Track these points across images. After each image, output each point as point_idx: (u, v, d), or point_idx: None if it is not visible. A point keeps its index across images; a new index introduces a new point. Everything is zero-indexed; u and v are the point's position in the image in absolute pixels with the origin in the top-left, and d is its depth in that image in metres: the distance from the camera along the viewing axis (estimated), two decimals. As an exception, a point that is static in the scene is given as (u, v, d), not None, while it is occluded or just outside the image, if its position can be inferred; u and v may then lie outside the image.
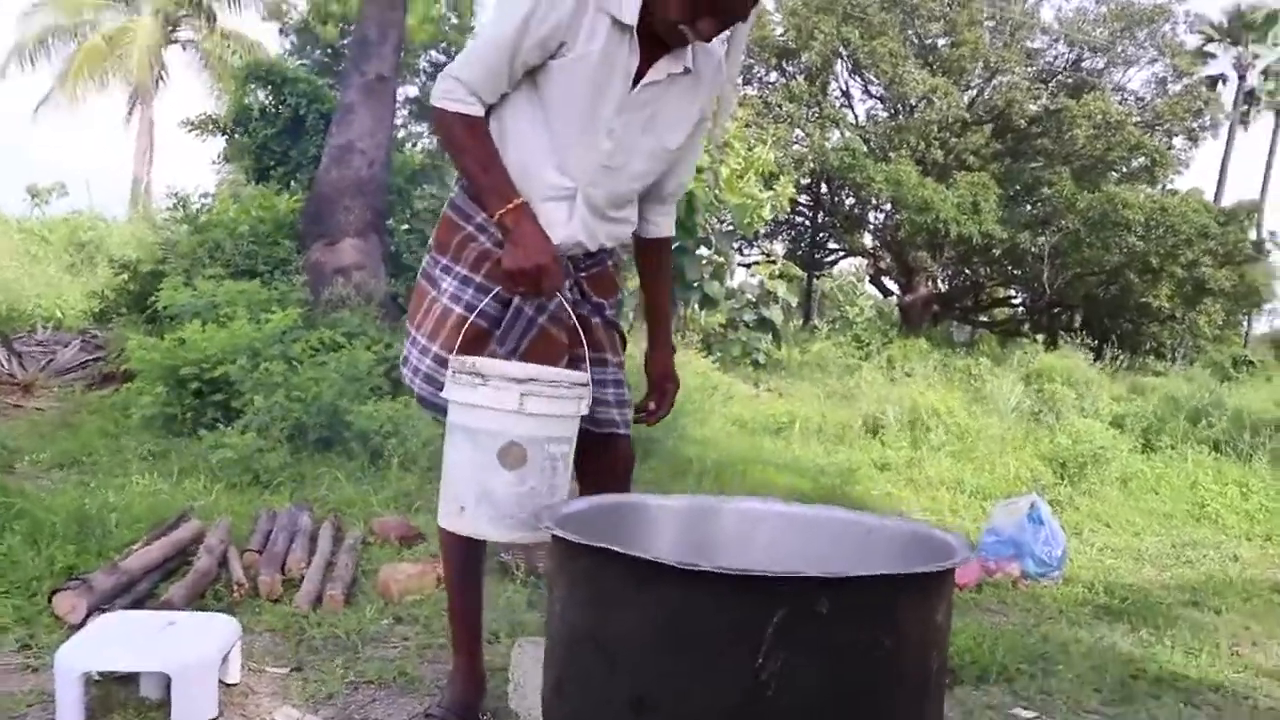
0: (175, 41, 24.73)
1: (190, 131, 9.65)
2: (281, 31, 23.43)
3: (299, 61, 23.65)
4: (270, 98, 9.14)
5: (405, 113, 25.59)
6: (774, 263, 18.78)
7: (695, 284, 17.54)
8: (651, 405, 2.53)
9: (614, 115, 2.14)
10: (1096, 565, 4.95)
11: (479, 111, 2.10)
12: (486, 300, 2.19)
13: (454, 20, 24.69)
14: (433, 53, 25.37)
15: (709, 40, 2.12)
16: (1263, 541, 5.88)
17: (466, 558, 2.49)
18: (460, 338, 2.16)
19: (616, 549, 1.52)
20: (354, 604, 3.58)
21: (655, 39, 2.11)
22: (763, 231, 23.76)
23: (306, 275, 7.76)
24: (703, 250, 17.42)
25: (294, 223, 8.33)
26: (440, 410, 2.25)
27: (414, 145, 19.13)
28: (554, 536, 1.64)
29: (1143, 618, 4.04)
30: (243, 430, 5.44)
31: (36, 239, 15.31)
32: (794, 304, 19.12)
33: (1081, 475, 6.76)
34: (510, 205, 2.07)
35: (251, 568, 3.81)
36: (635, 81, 2.14)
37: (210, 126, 9.66)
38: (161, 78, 24.38)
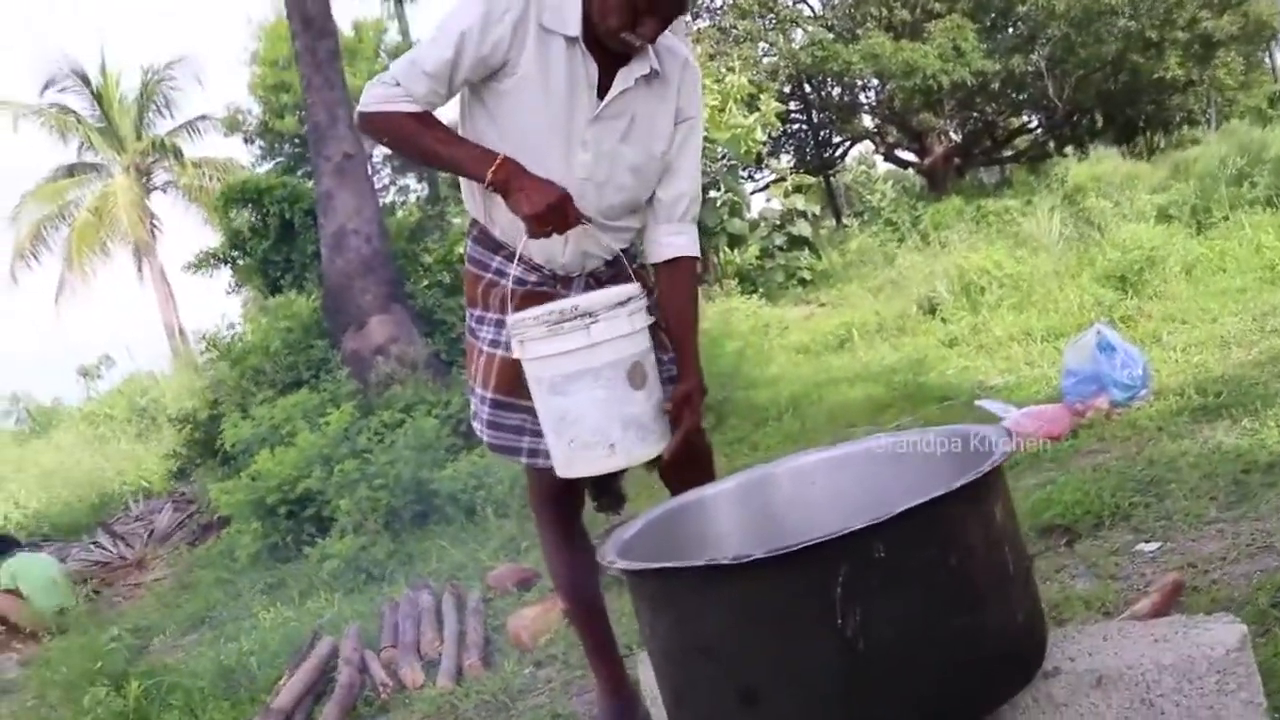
0: (154, 188, 25.21)
1: (194, 273, 9.91)
2: (246, 141, 23.81)
3: (274, 160, 24.03)
4: (253, 214, 9.33)
5: (387, 172, 25.82)
6: (784, 180, 18.64)
7: (717, 228, 17.51)
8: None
9: (586, 128, 2.15)
10: (1184, 368, 4.88)
11: (420, 110, 2.10)
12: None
13: (400, 67, 24.80)
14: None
15: (653, 42, 2.12)
16: (1343, 281, 5.75)
17: (580, 584, 2.54)
18: (505, 375, 2.24)
19: (674, 565, 1.57)
20: (493, 665, 3.69)
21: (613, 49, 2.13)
22: (765, 152, 23.59)
23: (348, 366, 7.92)
24: (713, 194, 17.38)
25: (319, 320, 8.49)
26: (511, 452, 2.33)
27: (405, 201, 19.34)
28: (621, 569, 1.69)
29: (1241, 406, 3.98)
30: (341, 535, 5.59)
31: (101, 419, 15.82)
32: (818, 211, 18.99)
33: (1143, 282, 6.63)
34: (496, 162, 2.07)
35: (390, 663, 3.95)
36: (603, 93, 2.14)
37: (211, 262, 9.90)
38: (155, 226, 24.89)
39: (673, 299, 2.32)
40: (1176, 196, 8.33)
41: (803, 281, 17.08)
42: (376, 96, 2.10)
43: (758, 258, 18.19)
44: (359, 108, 2.14)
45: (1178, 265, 6.76)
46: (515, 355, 2.08)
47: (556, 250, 2.23)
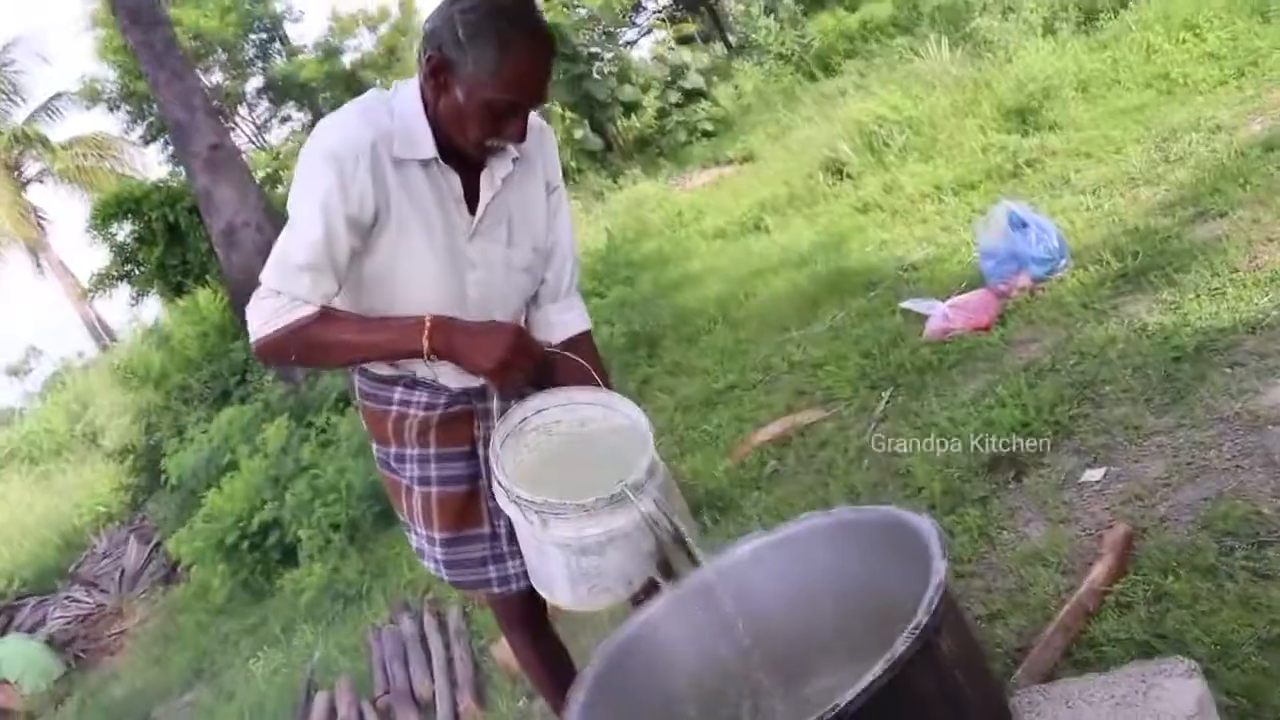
0: (29, 181, 24.06)
1: (94, 296, 9.53)
2: (110, 109, 22.69)
3: (145, 122, 22.98)
4: (135, 223, 8.92)
5: (264, 107, 24.94)
6: (653, 30, 18.15)
7: (609, 100, 17.09)
8: None
9: (467, 245, 1.98)
10: (1097, 218, 4.83)
11: (316, 309, 1.87)
12: (446, 467, 2.14)
13: (248, -5, 23.57)
14: (253, 37, 24.41)
15: (523, 140, 1.94)
16: (1236, 82, 5.66)
17: (534, 638, 2.47)
18: (449, 510, 2.14)
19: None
20: (487, 701, 3.71)
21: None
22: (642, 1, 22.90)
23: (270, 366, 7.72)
24: (597, 64, 16.89)
25: (232, 320, 8.25)
26: (479, 586, 2.23)
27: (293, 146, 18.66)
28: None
29: (1159, 269, 3.96)
30: (310, 560, 5.56)
31: (42, 435, 15.45)
32: (706, 61, 18.56)
33: (1041, 115, 6.53)
34: (428, 328, 1.87)
35: (388, 713, 3.97)
36: (472, 200, 1.98)
37: (106, 283, 9.51)
38: (41, 219, 23.86)
39: (580, 377, 2.12)
40: (1059, 7, 8.12)
41: (705, 133, 16.80)
42: (261, 317, 1.85)
43: (656, 118, 17.85)
44: (251, 340, 1.89)
45: (1073, 85, 6.65)
46: (528, 529, 1.89)
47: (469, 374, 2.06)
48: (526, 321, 2.22)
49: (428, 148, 1.90)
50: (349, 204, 1.83)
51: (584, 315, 2.27)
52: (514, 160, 2.01)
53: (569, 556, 1.91)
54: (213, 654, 5.60)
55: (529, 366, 1.94)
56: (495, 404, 2.11)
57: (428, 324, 1.87)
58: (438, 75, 1.85)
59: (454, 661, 4.05)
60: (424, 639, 4.35)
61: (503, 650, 3.86)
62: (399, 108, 1.92)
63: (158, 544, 7.84)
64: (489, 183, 1.99)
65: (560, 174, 2.20)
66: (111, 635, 7.02)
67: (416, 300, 1.96)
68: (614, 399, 2.03)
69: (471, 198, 1.99)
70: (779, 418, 4.64)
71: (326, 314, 1.88)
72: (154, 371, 8.23)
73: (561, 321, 2.21)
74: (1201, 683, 1.68)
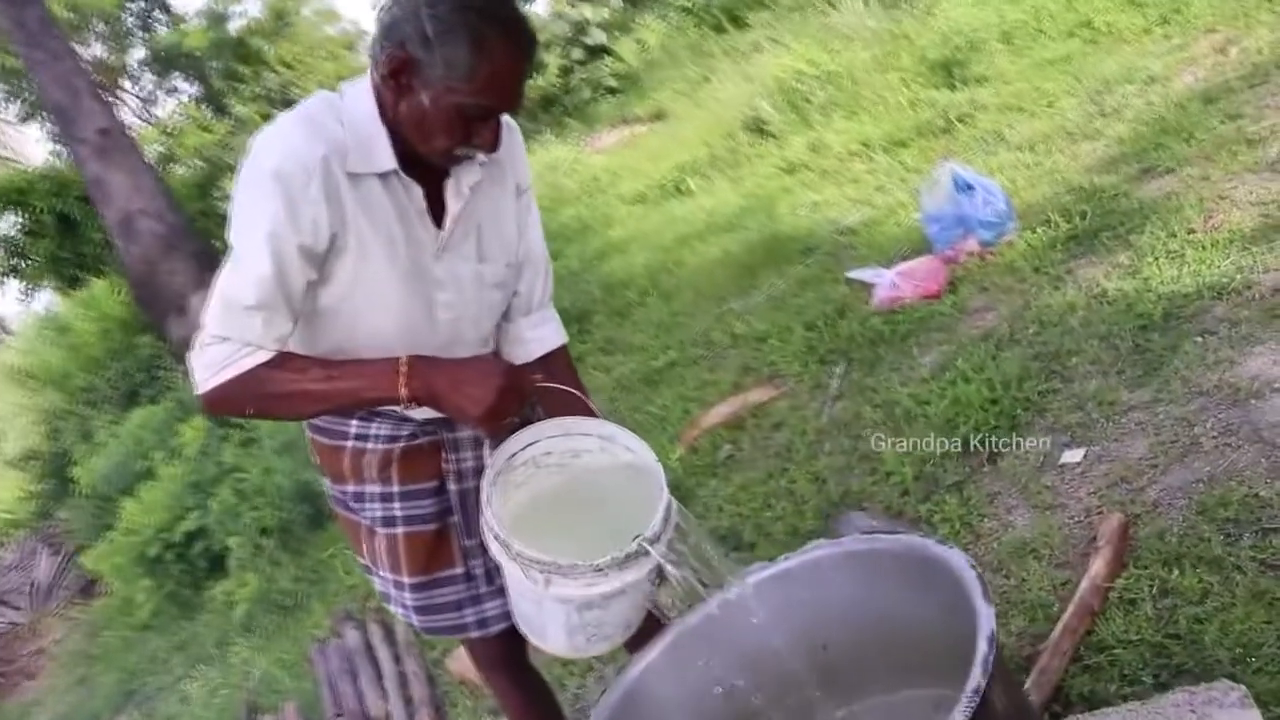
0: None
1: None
2: (-19, 87, 21.39)
3: (22, 100, 21.73)
4: (22, 216, 8.37)
5: (149, 80, 23.79)
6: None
7: (512, 58, 16.61)
8: None
9: (434, 264, 1.77)
10: (1039, 178, 4.73)
11: (271, 354, 1.64)
12: (413, 504, 1.94)
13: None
14: (133, 5, 23.19)
15: (497, 149, 1.71)
16: (1161, 30, 5.62)
17: (517, 678, 2.31)
18: (418, 552, 1.95)
19: None
20: (447, 718, 3.53)
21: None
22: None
23: (182, 360, 7.34)
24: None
25: (135, 313, 7.82)
26: (455, 631, 2.06)
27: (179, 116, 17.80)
28: None
29: (1111, 230, 3.89)
30: (241, 569, 5.28)
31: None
32: (606, 15, 18.15)
33: (969, 69, 6.42)
34: (404, 371, 1.65)
35: (342, 735, 3.76)
36: (437, 214, 1.76)
37: (-5, 275, 8.96)
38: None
39: (560, 401, 1.91)
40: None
41: (611, 90, 16.50)
42: (209, 367, 1.62)
43: (559, 76, 17.45)
44: (197, 393, 1.66)
45: (998, 38, 6.55)
46: (527, 585, 1.69)
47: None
48: (496, 337, 2.02)
49: (386, 159, 1.67)
50: (300, 231, 1.61)
51: (559, 329, 2.07)
52: (481, 165, 1.80)
53: (570, 611, 1.74)
54: (142, 674, 5.30)
55: (520, 409, 1.74)
56: (468, 434, 1.93)
57: (403, 368, 1.65)
58: (399, 76, 1.62)
59: (407, 676, 3.85)
60: (371, 652, 4.14)
61: (459, 663, 3.68)
62: (350, 114, 1.68)
63: (72, 554, 7.44)
64: (455, 192, 1.78)
65: (529, 175, 1.98)
66: (28, 655, 6.64)
67: (380, 329, 1.76)
68: (614, 430, 1.85)
69: (436, 209, 1.77)
70: (726, 397, 4.50)
71: (284, 359, 1.66)
72: (54, 372, 7.75)
73: (537, 337, 2.02)
74: (1257, 714, 1.57)
